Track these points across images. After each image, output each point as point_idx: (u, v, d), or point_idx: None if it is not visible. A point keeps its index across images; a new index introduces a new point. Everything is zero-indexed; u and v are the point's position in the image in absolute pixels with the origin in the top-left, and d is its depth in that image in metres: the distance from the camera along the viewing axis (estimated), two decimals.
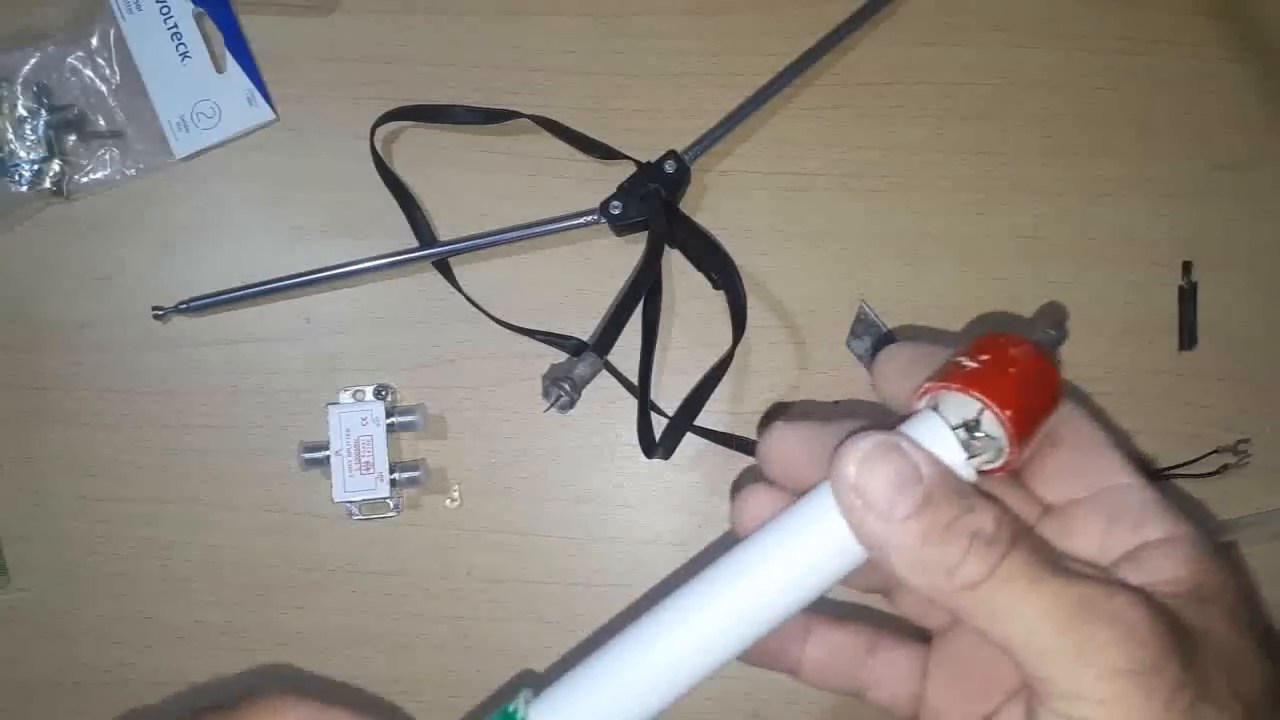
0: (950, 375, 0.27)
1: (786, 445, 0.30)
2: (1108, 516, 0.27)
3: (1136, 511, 0.27)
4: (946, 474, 0.26)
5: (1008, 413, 0.26)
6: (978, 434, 0.26)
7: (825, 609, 0.32)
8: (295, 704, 0.28)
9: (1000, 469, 0.27)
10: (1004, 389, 0.26)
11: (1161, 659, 0.23)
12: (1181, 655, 0.23)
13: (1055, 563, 0.25)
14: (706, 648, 0.28)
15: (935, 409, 0.27)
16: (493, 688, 0.45)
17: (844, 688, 0.32)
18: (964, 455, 0.26)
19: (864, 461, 0.25)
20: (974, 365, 0.27)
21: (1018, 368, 0.27)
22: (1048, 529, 0.28)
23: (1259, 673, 0.25)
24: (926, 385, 0.27)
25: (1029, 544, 0.25)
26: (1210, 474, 0.46)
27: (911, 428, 0.26)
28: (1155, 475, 0.46)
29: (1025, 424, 0.26)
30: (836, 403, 0.46)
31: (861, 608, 0.32)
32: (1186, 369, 0.47)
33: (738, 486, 0.30)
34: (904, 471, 0.25)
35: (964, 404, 0.26)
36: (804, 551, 0.27)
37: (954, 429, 0.26)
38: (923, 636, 0.32)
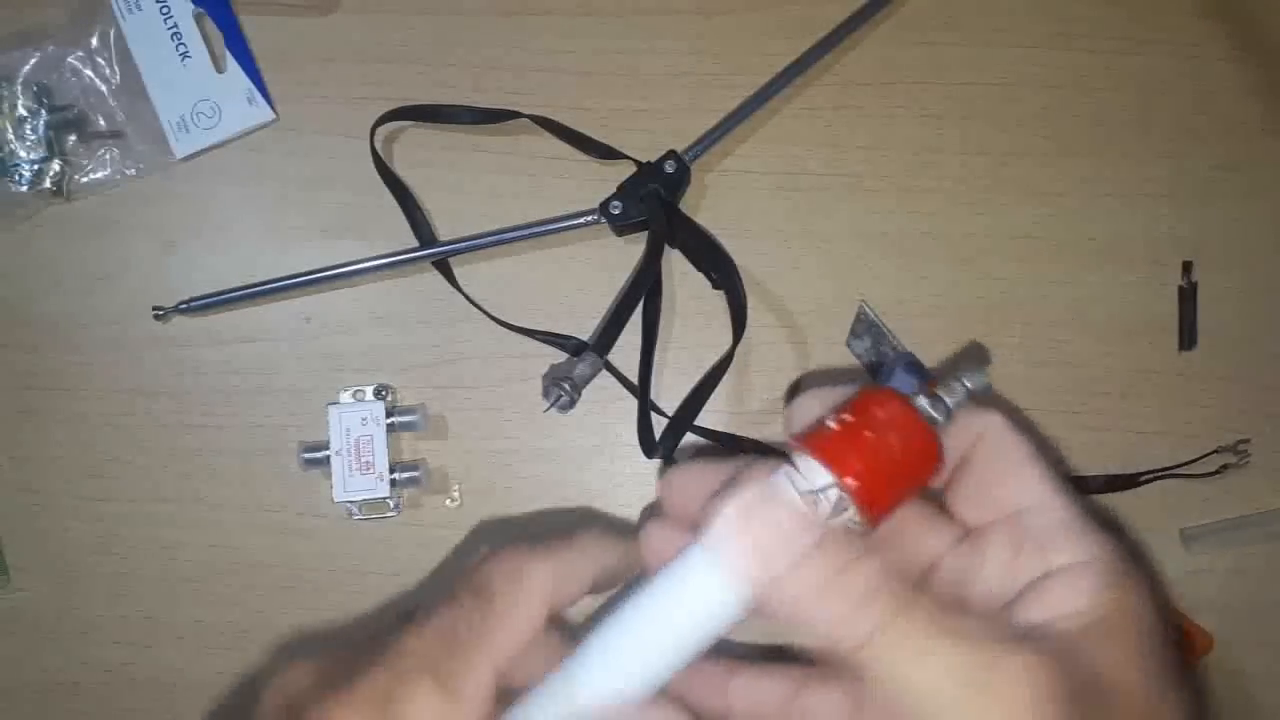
0: (807, 438, 0.26)
1: (684, 488, 0.30)
2: (1015, 541, 0.27)
3: (1045, 535, 0.27)
4: (827, 529, 0.25)
5: (852, 483, 0.25)
6: (829, 496, 0.26)
7: (751, 651, 0.32)
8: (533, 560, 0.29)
9: (866, 529, 0.26)
10: (854, 457, 0.25)
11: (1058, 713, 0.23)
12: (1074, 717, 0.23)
13: (947, 623, 0.24)
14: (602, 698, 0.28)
15: (791, 469, 0.26)
16: None
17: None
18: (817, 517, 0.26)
19: (737, 517, 0.26)
20: (834, 427, 0.26)
21: (878, 432, 0.26)
22: (963, 555, 0.28)
23: (1163, 712, 0.25)
24: (790, 442, 0.27)
25: (920, 602, 0.25)
26: (1210, 474, 0.46)
27: (771, 487, 0.26)
28: (1156, 476, 0.46)
29: (876, 494, 0.26)
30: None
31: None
32: (1186, 369, 0.47)
33: (641, 523, 0.31)
34: (779, 525, 0.25)
35: (817, 468, 0.26)
36: (677, 616, 0.27)
37: (808, 492, 0.26)
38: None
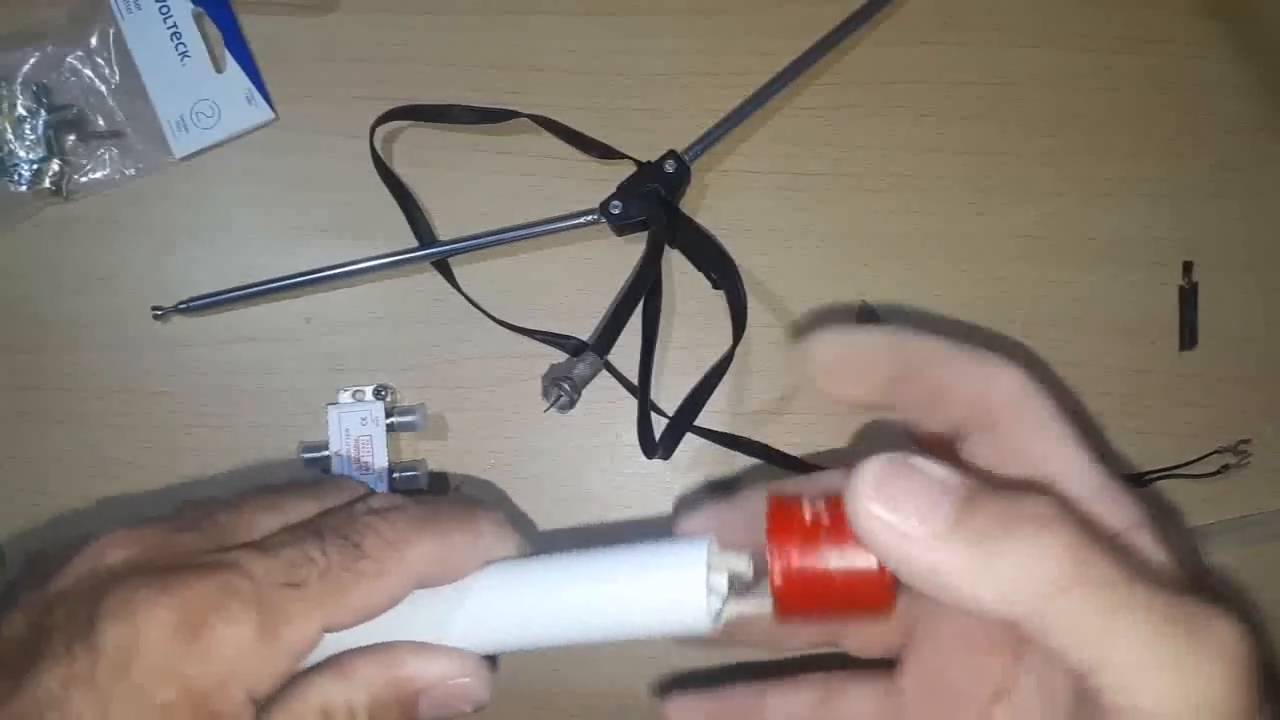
0: (775, 516, 0.26)
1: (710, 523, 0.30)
2: None
3: (1088, 504, 0.25)
4: (975, 480, 0.23)
5: (779, 587, 0.25)
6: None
7: (778, 668, 0.32)
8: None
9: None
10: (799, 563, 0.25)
11: (1251, 694, 0.21)
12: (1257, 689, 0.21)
13: (1134, 569, 0.22)
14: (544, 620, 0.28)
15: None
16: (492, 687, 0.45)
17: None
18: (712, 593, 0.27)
19: (879, 487, 0.23)
20: (807, 521, 0.26)
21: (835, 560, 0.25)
22: None
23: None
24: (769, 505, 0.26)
25: (1105, 546, 0.22)
26: (1210, 474, 0.46)
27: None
28: (1156, 476, 0.46)
29: (796, 603, 0.26)
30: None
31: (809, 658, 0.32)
32: (1187, 369, 0.47)
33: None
34: (925, 485, 0.23)
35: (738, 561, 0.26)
36: (644, 604, 0.27)
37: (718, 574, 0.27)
38: (885, 664, 0.30)
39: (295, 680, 0.26)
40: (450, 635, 0.28)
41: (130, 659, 0.24)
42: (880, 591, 0.25)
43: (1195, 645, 0.21)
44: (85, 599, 0.25)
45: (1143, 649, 0.21)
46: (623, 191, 0.45)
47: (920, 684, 0.29)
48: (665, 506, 0.46)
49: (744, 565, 0.27)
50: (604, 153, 0.47)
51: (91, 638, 0.24)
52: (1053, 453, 0.26)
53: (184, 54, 0.47)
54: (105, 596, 0.25)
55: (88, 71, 0.47)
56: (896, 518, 0.23)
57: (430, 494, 0.45)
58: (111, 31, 0.47)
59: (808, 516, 0.26)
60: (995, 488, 0.23)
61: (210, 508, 0.28)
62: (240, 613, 0.25)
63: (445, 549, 0.28)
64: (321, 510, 0.29)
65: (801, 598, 0.25)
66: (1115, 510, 0.25)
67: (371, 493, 0.31)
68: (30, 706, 0.23)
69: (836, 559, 0.25)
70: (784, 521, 0.26)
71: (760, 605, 0.26)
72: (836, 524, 0.25)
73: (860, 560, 0.25)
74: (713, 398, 0.45)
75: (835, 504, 0.25)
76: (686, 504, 0.30)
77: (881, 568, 0.25)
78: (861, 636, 0.31)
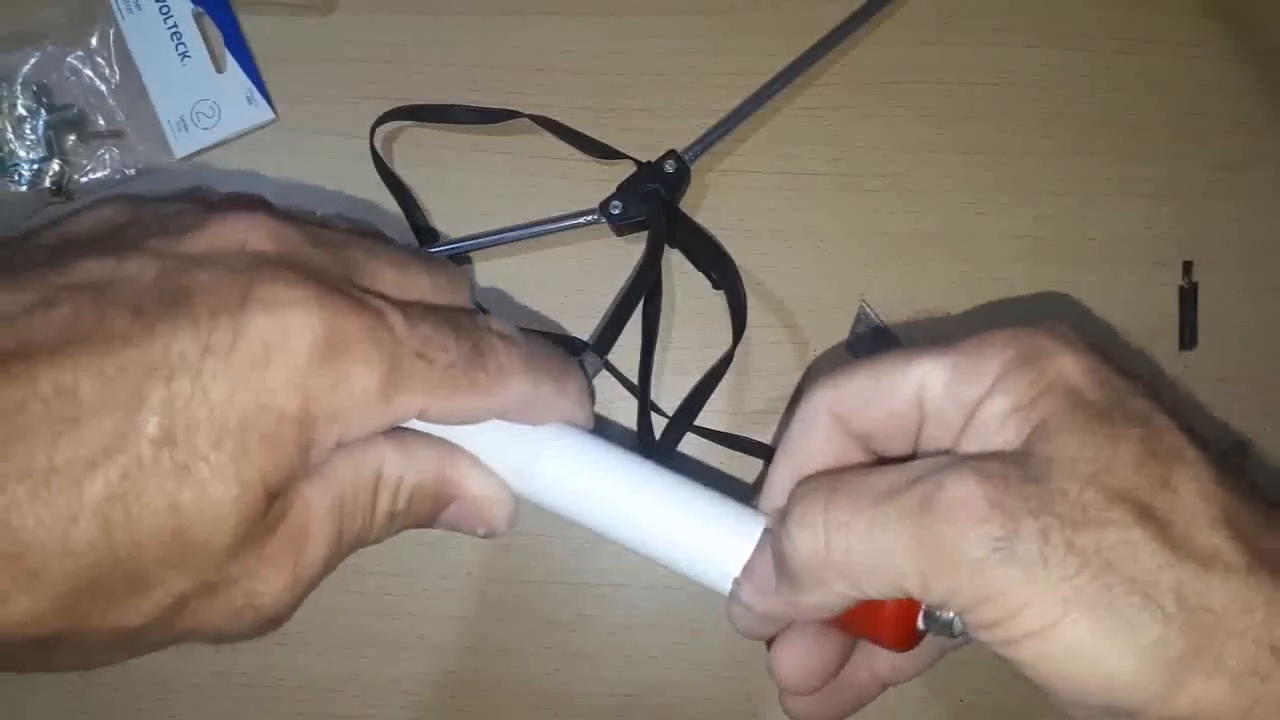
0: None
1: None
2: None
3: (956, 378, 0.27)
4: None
5: None
6: None
7: None
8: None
9: None
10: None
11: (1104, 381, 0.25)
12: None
13: (865, 492, 0.26)
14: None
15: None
16: (493, 687, 0.45)
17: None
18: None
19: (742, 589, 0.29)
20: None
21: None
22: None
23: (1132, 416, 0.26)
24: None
25: (836, 492, 0.26)
26: None
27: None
28: None
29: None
30: None
31: None
32: (1186, 369, 0.47)
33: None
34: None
35: None
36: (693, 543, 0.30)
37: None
38: None
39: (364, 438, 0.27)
40: (505, 469, 0.30)
41: (270, 355, 0.24)
42: (892, 629, 0.27)
43: (935, 522, 0.24)
44: (236, 275, 0.24)
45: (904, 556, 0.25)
46: (623, 191, 0.45)
47: None
48: None
49: None
50: (604, 153, 0.47)
51: (240, 318, 0.24)
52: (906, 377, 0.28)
53: (184, 54, 0.47)
54: (259, 282, 0.24)
55: (88, 71, 0.47)
56: (741, 606, 0.29)
57: None
58: (112, 31, 0.47)
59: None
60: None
61: (343, 239, 0.28)
62: (377, 361, 0.25)
63: (536, 394, 0.29)
64: (432, 290, 0.29)
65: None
66: (977, 359, 0.27)
67: (482, 309, 0.32)
68: (161, 359, 0.23)
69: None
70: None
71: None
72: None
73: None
74: (713, 398, 0.45)
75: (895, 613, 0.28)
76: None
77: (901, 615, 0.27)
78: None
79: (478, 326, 0.29)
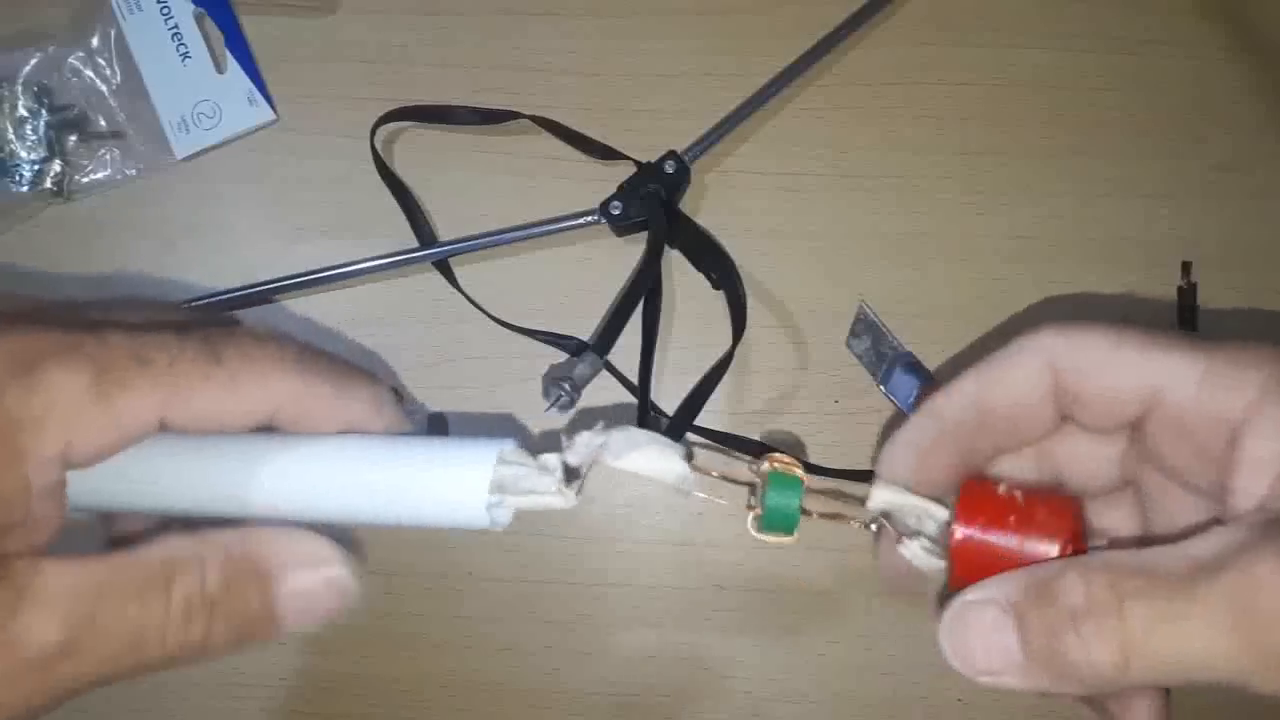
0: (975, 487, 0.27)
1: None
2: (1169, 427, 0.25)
3: (1197, 396, 0.25)
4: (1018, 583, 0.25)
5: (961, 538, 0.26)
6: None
7: None
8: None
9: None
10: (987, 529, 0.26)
11: None
12: None
13: (1156, 575, 0.23)
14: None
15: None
16: (493, 687, 0.45)
17: None
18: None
19: (949, 641, 0.25)
20: (1002, 494, 0.26)
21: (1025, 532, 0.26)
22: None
23: None
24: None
25: (1133, 579, 0.23)
26: None
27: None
28: None
29: (973, 567, 0.26)
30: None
31: None
32: None
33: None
34: (983, 627, 0.25)
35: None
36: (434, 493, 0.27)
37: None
38: None
39: (145, 533, 0.25)
40: (255, 489, 0.27)
41: None
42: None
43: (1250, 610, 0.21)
44: None
45: (1219, 638, 0.22)
46: (623, 192, 0.46)
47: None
48: (665, 506, 0.46)
49: (942, 513, 0.27)
50: (604, 153, 0.47)
51: None
52: (1141, 371, 0.25)
53: (185, 55, 0.47)
54: None
55: (89, 72, 0.47)
56: (979, 667, 0.25)
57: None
58: (113, 32, 0.47)
59: (1002, 491, 0.26)
60: (1040, 574, 0.24)
61: (80, 305, 0.27)
62: (77, 363, 0.24)
63: (307, 394, 0.27)
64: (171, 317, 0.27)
65: (976, 566, 0.26)
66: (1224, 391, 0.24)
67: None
68: None
69: (1018, 541, 0.26)
70: (978, 492, 0.27)
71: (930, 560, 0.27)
72: (1027, 510, 0.26)
73: (1041, 548, 0.26)
74: (713, 398, 0.45)
75: (1030, 492, 0.26)
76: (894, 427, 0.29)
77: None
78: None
79: (225, 333, 0.27)
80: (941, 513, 0.27)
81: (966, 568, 0.26)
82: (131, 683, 0.45)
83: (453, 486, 0.27)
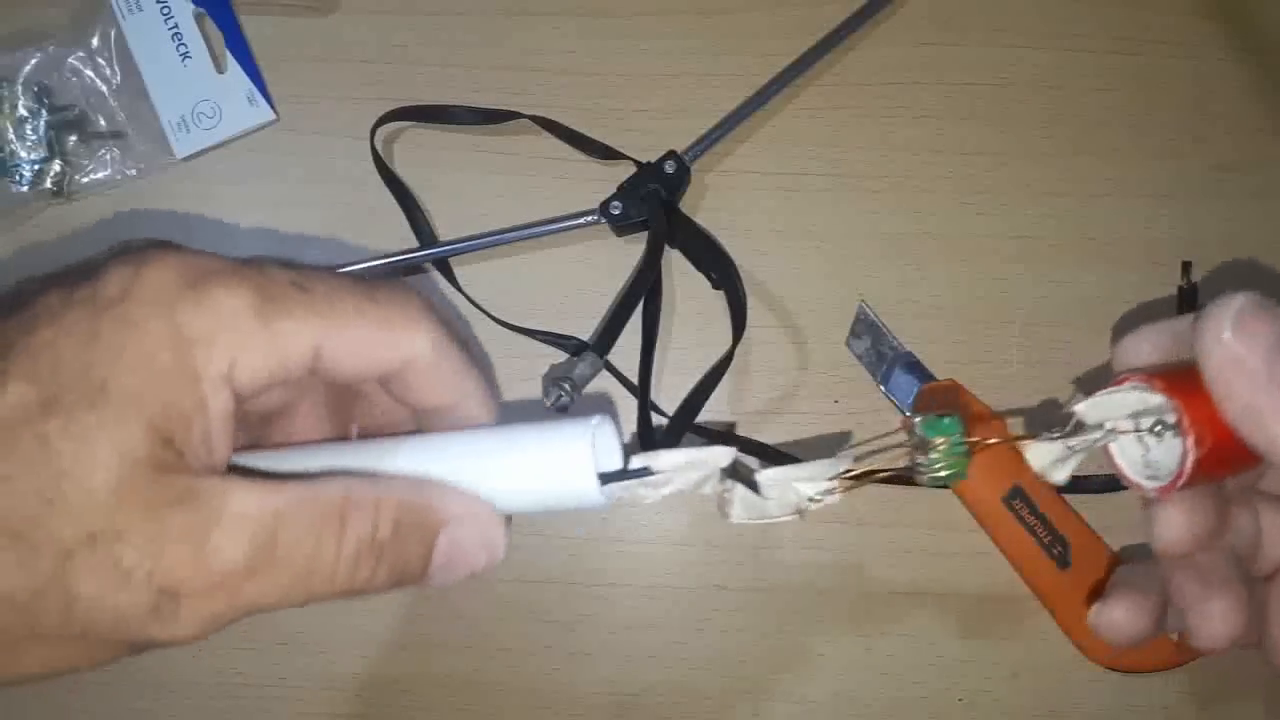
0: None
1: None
2: None
3: None
4: None
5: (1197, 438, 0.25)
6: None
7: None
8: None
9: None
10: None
11: None
12: None
13: None
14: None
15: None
16: (493, 687, 0.45)
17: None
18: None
19: (1238, 325, 0.24)
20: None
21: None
22: None
23: None
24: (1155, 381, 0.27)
25: None
26: None
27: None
28: None
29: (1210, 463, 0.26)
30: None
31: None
32: None
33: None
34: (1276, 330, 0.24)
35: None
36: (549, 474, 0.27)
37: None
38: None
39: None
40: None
41: (129, 291, 0.23)
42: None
43: None
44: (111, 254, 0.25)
45: None
46: (623, 192, 0.46)
47: None
48: (665, 506, 0.46)
49: (1156, 399, 0.27)
50: (604, 153, 0.47)
51: (94, 277, 0.24)
52: None
53: (185, 55, 0.47)
54: (125, 251, 0.24)
55: (89, 72, 0.47)
56: (1244, 349, 0.24)
57: None
58: (113, 32, 0.47)
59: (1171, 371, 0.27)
60: None
61: None
62: (241, 286, 0.24)
63: (447, 352, 0.27)
64: None
65: (1216, 431, 0.25)
66: None
67: None
68: (26, 318, 0.24)
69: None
70: (1171, 373, 0.27)
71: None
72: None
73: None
74: (713, 398, 0.45)
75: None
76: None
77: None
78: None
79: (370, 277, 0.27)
80: (1156, 398, 0.27)
81: (1210, 432, 0.26)
82: (132, 683, 0.45)
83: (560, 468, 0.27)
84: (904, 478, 0.29)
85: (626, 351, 0.45)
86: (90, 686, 0.45)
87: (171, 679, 0.45)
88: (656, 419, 0.45)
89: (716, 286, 0.47)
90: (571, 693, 0.45)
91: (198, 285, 0.24)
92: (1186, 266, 0.47)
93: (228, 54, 0.47)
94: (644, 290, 0.45)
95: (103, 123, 0.47)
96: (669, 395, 0.46)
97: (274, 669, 0.45)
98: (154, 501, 0.23)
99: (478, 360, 0.29)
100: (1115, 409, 0.28)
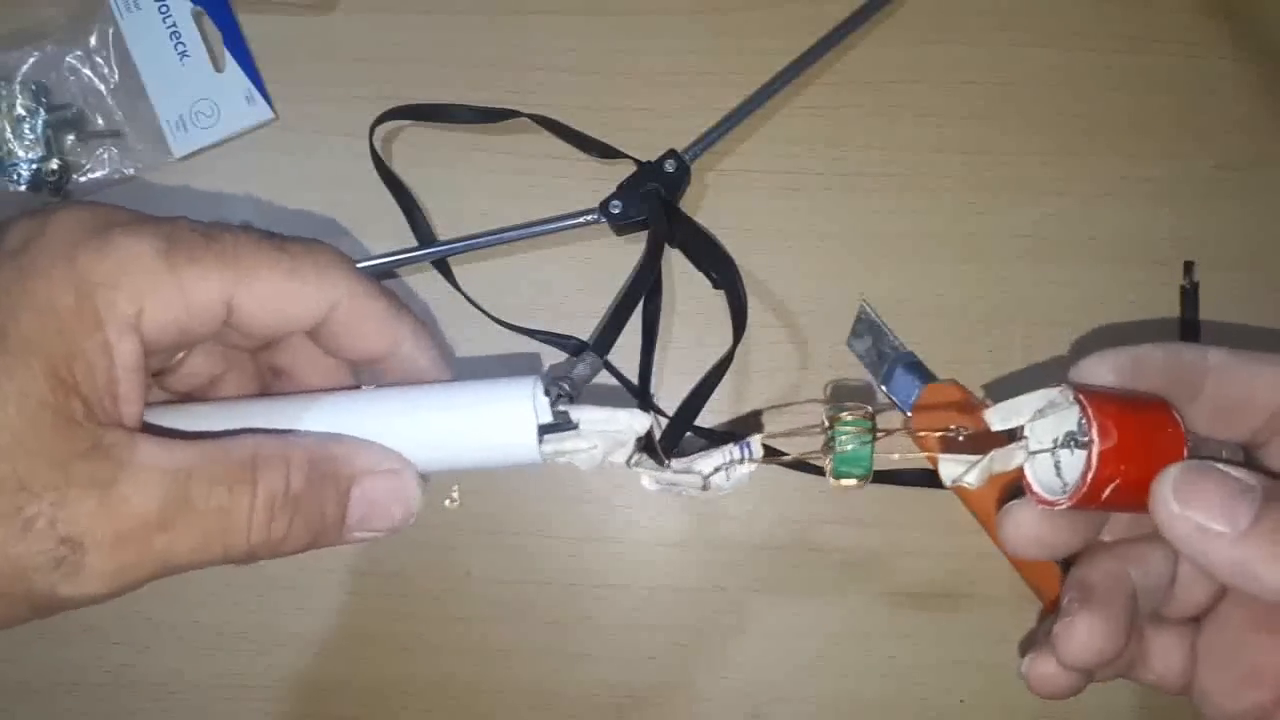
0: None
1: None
2: None
3: None
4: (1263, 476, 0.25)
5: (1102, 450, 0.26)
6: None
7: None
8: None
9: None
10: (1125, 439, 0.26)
11: None
12: None
13: None
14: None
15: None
16: (493, 688, 0.45)
17: (1113, 672, 0.32)
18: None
19: (1179, 489, 0.25)
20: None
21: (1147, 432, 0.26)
22: None
23: None
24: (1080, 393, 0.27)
25: None
26: None
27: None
28: None
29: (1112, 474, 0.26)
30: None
31: None
32: None
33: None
34: (1225, 487, 0.25)
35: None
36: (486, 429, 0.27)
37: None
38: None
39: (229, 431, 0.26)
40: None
41: (29, 243, 0.23)
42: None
43: None
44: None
45: None
46: (623, 191, 0.45)
47: (1215, 650, 0.30)
48: (665, 506, 0.46)
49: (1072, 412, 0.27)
50: (604, 152, 0.47)
51: (8, 225, 0.24)
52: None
53: (183, 53, 0.47)
54: (42, 209, 0.24)
55: (87, 71, 0.47)
56: (1201, 517, 0.25)
57: None
58: (111, 31, 0.47)
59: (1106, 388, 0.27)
60: None
61: None
62: (147, 233, 0.24)
63: (365, 299, 0.27)
64: None
65: (1132, 444, 0.26)
66: None
67: None
68: None
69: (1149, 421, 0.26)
70: (1092, 391, 0.27)
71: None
72: (1134, 397, 0.27)
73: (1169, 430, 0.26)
74: (713, 398, 0.45)
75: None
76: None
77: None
78: (1171, 600, 0.31)
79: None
80: (1071, 412, 0.27)
81: (1123, 445, 0.26)
82: (130, 685, 0.45)
83: (502, 423, 0.27)
84: (810, 465, 0.29)
85: (626, 351, 0.45)
86: (90, 687, 0.45)
87: (171, 679, 0.45)
88: (656, 419, 0.45)
89: (717, 286, 0.46)
90: (571, 694, 0.45)
91: (102, 233, 0.24)
92: (1189, 266, 0.47)
93: (226, 53, 0.47)
94: (644, 290, 0.45)
95: (100, 121, 0.47)
96: (669, 395, 0.46)
97: (273, 670, 0.45)
98: (58, 450, 0.22)
99: (410, 310, 0.29)
100: (1023, 412, 0.28)
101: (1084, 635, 0.28)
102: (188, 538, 0.24)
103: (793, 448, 0.30)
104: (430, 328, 0.30)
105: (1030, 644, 0.30)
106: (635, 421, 0.29)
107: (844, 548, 0.45)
